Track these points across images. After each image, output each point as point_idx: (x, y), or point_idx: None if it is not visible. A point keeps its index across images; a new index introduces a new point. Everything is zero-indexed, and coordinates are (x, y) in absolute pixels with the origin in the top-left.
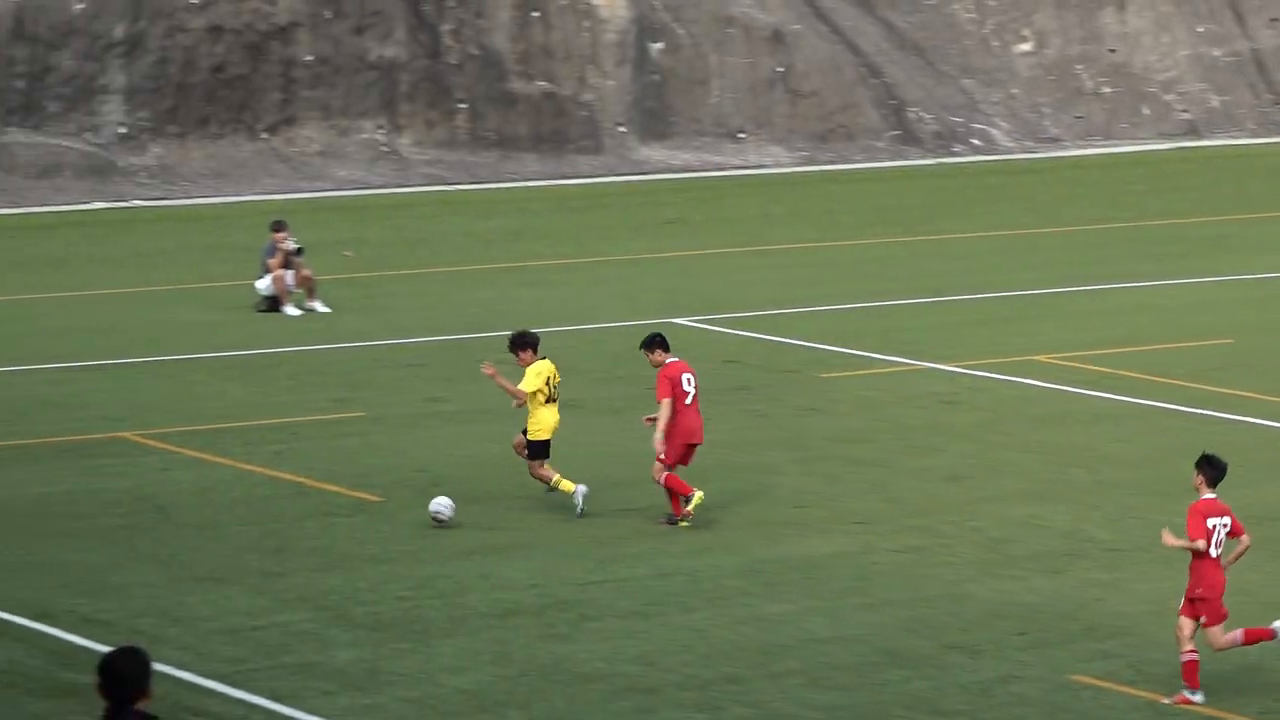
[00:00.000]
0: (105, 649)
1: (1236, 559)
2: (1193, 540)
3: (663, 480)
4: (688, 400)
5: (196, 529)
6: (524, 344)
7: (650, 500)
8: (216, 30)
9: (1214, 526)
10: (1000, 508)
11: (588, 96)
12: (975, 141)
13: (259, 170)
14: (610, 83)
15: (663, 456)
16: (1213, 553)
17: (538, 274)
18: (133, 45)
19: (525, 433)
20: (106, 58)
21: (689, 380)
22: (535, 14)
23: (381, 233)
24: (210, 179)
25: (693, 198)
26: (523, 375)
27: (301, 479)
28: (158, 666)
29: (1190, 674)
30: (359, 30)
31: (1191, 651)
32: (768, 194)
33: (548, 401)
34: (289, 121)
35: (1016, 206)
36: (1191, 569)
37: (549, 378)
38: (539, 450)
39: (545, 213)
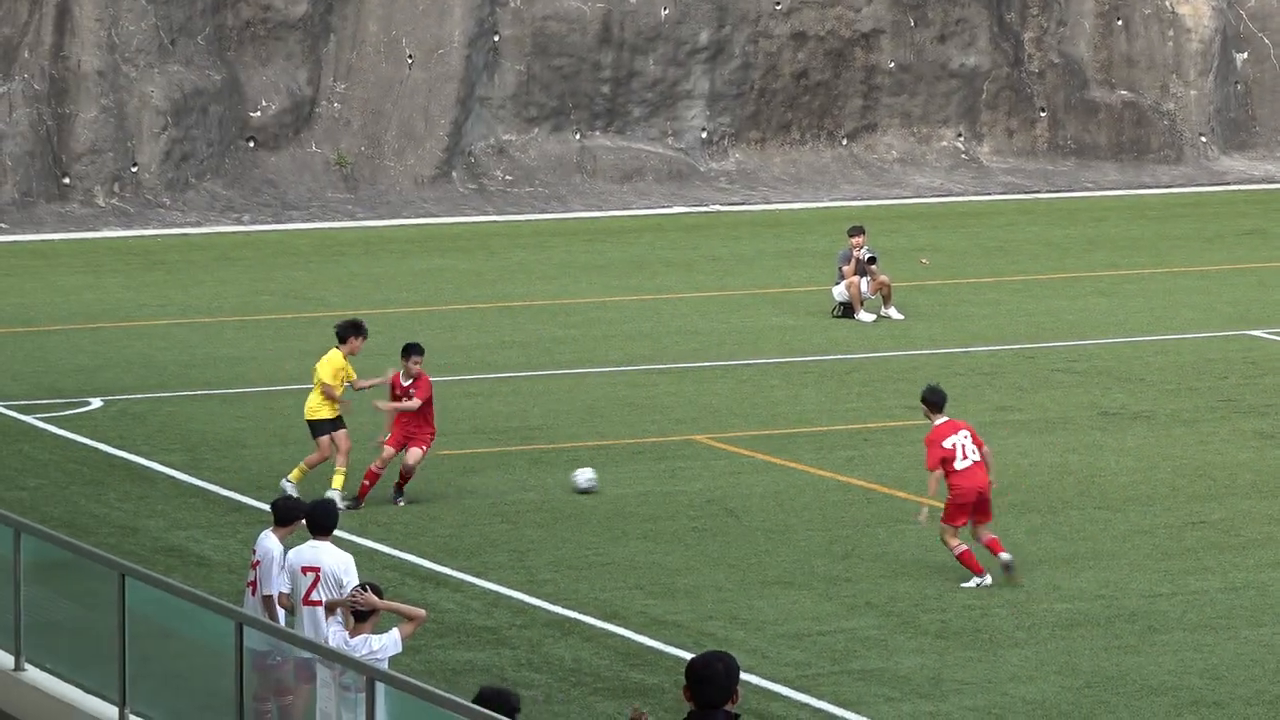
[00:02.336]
0: (673, 650)
1: (985, 468)
2: (930, 470)
3: (956, 554)
4: (958, 463)
5: (766, 533)
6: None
7: (1222, 513)
8: (800, 36)
9: (953, 444)
10: None
11: (1169, 106)
12: None
13: (838, 176)
14: (1193, 92)
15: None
16: (959, 465)
17: (1112, 283)
18: (716, 51)
19: None
20: (690, 63)
21: (958, 439)
22: (1119, 22)
23: (958, 240)
24: (789, 184)
25: (1273, 209)
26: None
27: (872, 485)
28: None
29: (969, 563)
30: (942, 38)
31: (959, 544)
32: None
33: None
34: (869, 128)
35: None
36: (948, 483)
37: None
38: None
39: (1122, 222)
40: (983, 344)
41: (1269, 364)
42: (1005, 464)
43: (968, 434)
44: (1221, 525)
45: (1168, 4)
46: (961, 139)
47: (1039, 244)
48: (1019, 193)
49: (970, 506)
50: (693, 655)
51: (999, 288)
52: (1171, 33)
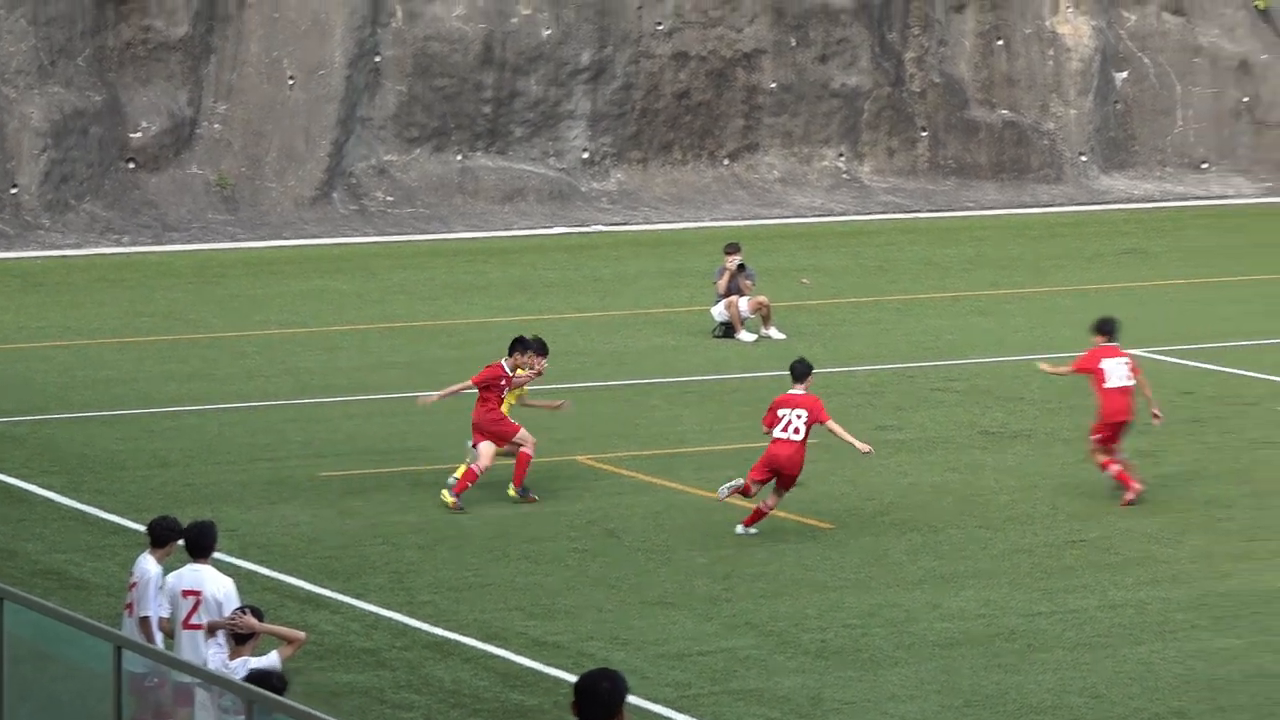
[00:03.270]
0: (554, 671)
1: (843, 439)
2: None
3: (1104, 466)
4: (1108, 383)
5: (647, 553)
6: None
7: (1101, 531)
8: (681, 57)
9: (784, 415)
10: None
11: (1050, 125)
12: None
13: (720, 196)
14: (1073, 111)
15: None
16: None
17: (992, 302)
18: (598, 71)
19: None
20: (572, 84)
21: (1115, 365)
22: (999, 42)
23: (839, 260)
24: (671, 204)
25: (1152, 228)
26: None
27: (753, 505)
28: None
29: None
30: (823, 58)
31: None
32: (1229, 225)
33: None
34: (751, 148)
35: None
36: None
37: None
38: None
39: (1002, 241)
40: (863, 363)
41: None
42: (885, 483)
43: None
44: (1100, 544)
45: (1048, 24)
46: (843, 159)
47: (920, 263)
48: (900, 212)
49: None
50: (572, 676)
51: (879, 307)
52: (1051, 52)
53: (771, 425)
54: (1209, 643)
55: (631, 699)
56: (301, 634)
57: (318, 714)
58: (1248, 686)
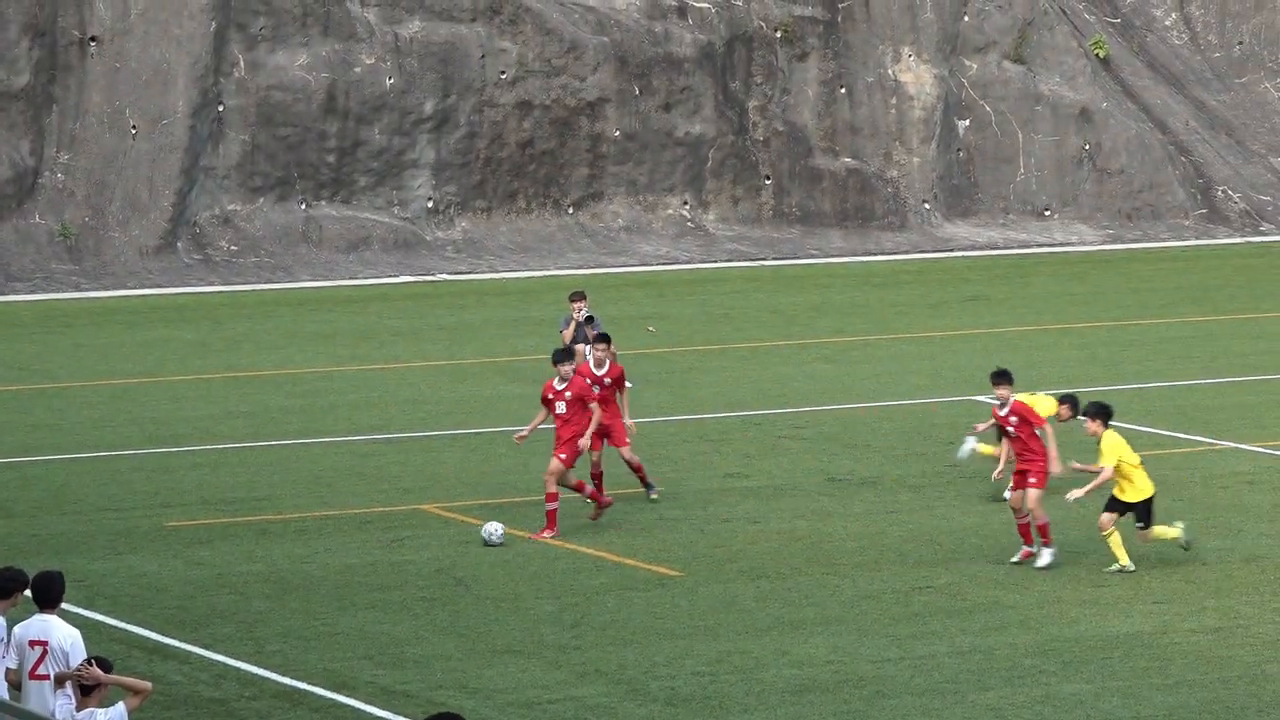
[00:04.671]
0: None
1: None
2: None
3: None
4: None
5: (495, 602)
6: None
7: (948, 578)
8: (525, 105)
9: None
10: None
11: (893, 173)
12: None
13: (565, 245)
14: (916, 159)
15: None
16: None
17: (837, 350)
18: (442, 120)
19: None
20: (416, 132)
21: None
22: (842, 90)
23: (684, 308)
24: (516, 253)
25: (996, 275)
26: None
27: (601, 553)
28: None
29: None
30: (667, 106)
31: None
32: (1072, 272)
33: None
34: (595, 196)
35: None
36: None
37: None
38: None
39: (848, 289)
40: (710, 411)
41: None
42: (733, 531)
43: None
44: (948, 590)
45: (890, 72)
46: (687, 206)
47: (765, 311)
48: (745, 260)
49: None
50: None
51: (725, 355)
52: (894, 100)
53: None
54: (1057, 688)
55: None
56: (148, 684)
57: None
58: None
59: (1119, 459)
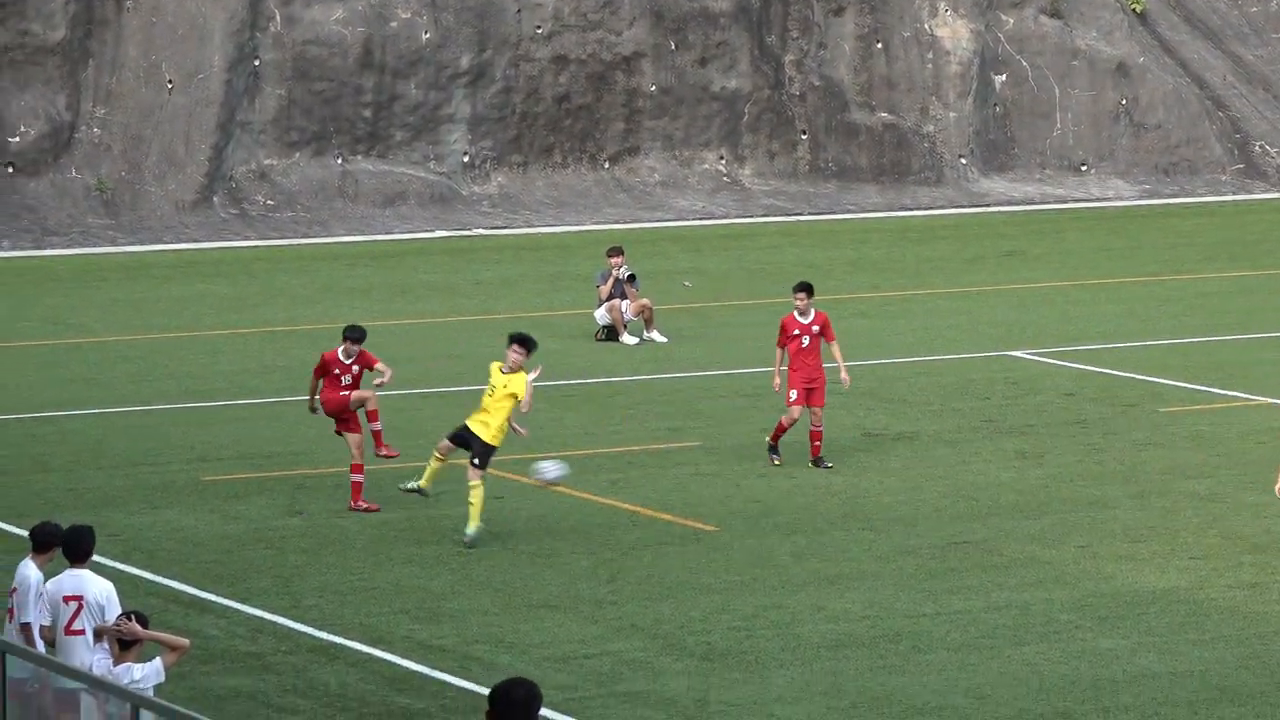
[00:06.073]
0: (439, 675)
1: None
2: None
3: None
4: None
5: (531, 557)
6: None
7: (985, 533)
8: (561, 60)
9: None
10: None
11: (929, 128)
12: None
13: (600, 200)
14: (952, 114)
15: None
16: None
17: (874, 305)
18: (478, 75)
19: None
20: (452, 87)
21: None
22: (878, 45)
23: (721, 263)
24: (552, 208)
25: (1032, 230)
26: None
27: (637, 508)
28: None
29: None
30: (703, 61)
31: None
32: (1109, 227)
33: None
34: (631, 151)
35: None
36: None
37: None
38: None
39: (883, 244)
40: (746, 366)
41: (1029, 384)
42: (769, 486)
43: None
44: (984, 545)
45: (926, 27)
46: (723, 161)
47: (801, 266)
48: (781, 215)
49: None
50: (458, 680)
51: (761, 310)
52: (931, 55)
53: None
54: (1093, 643)
55: None
56: (185, 641)
57: (204, 719)
58: (1131, 687)
59: None
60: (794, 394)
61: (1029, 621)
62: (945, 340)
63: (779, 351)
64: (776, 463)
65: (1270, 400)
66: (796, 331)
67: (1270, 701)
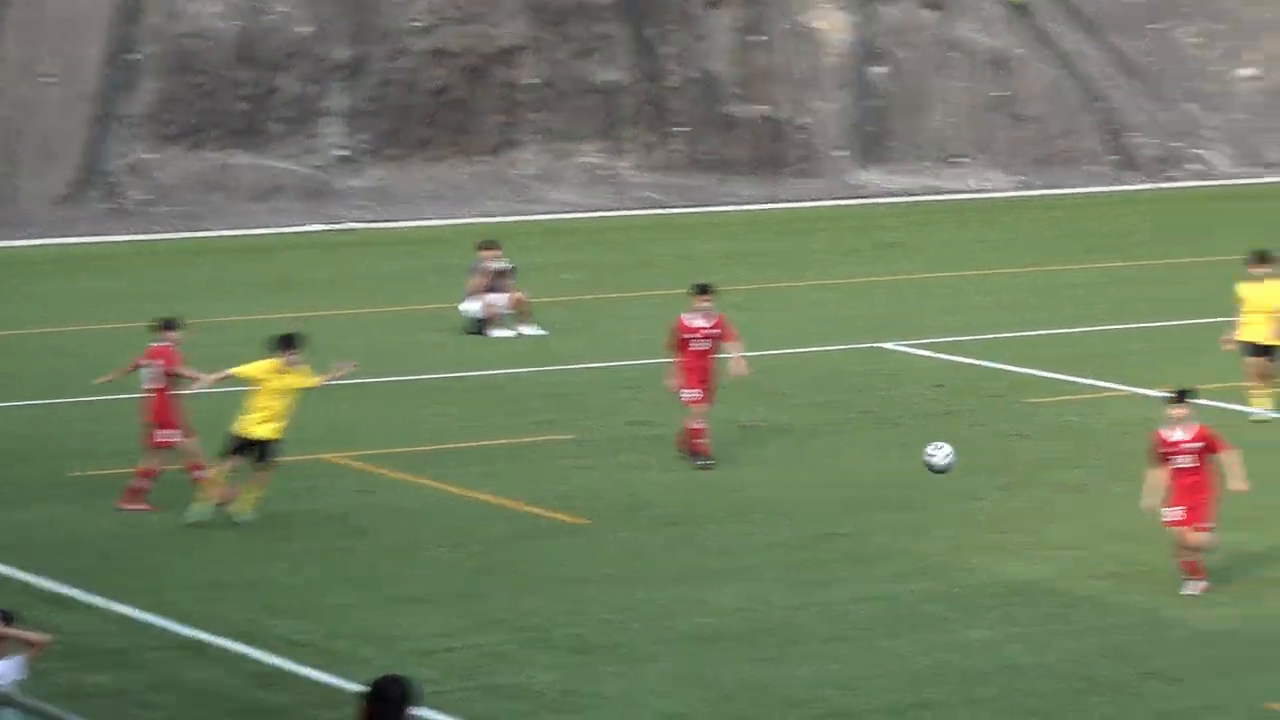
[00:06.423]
0: (305, 671)
1: None
2: None
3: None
4: None
5: (397, 551)
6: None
7: (854, 525)
8: (439, 53)
9: None
10: None
11: (806, 120)
12: (1196, 166)
13: (477, 193)
14: (830, 106)
15: None
16: None
17: (750, 297)
18: (355, 68)
19: None
20: (329, 80)
21: None
22: (756, 37)
23: (597, 255)
24: (429, 201)
25: (910, 222)
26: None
27: (507, 502)
28: (352, 687)
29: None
30: (581, 54)
31: None
32: (985, 219)
33: None
34: (509, 144)
35: (1237, 232)
36: None
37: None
38: None
39: (760, 236)
40: (624, 359)
41: (903, 376)
42: (643, 479)
43: None
44: (855, 536)
45: (804, 19)
46: (601, 154)
47: (678, 258)
48: (658, 208)
49: None
50: (323, 675)
51: (639, 302)
52: (808, 47)
53: None
54: (961, 635)
55: None
56: (46, 636)
57: (64, 714)
58: (998, 677)
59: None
60: (695, 393)
61: (898, 613)
62: (820, 332)
63: (673, 356)
64: (711, 465)
65: (1139, 391)
66: (688, 335)
67: (1133, 692)
